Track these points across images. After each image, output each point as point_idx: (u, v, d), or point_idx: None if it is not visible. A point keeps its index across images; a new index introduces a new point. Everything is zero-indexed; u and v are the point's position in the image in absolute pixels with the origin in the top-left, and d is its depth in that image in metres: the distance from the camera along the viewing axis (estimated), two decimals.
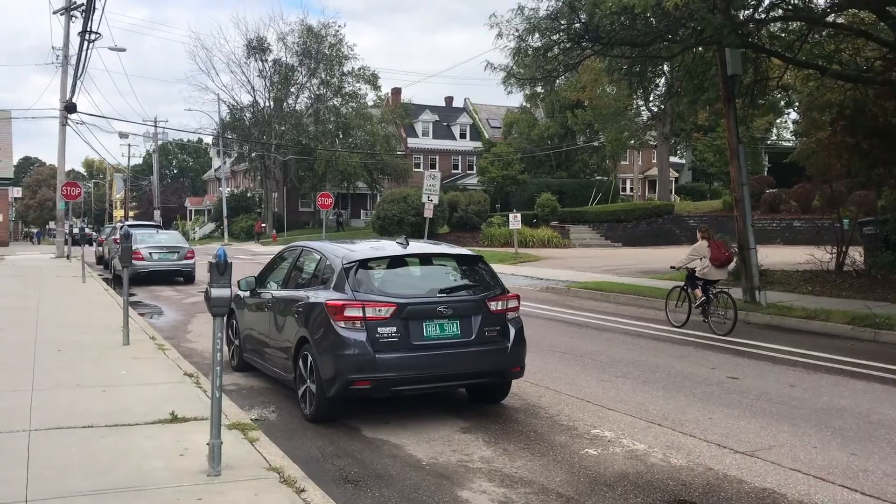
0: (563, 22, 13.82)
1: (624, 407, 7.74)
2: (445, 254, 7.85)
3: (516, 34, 13.97)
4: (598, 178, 61.03)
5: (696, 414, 7.48)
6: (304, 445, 6.49)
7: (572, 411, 7.58)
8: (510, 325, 7.32)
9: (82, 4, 33.15)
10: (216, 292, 5.09)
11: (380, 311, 6.79)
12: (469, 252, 7.91)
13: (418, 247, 7.90)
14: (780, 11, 15.66)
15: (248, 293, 9.11)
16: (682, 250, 35.23)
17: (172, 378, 8.34)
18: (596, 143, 61.29)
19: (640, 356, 10.59)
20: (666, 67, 20.10)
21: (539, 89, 68.51)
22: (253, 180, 69.59)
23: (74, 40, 34.18)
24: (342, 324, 6.80)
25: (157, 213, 61.63)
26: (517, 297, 7.52)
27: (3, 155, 49.32)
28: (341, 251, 7.51)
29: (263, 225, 59.75)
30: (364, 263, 7.18)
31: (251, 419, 7.06)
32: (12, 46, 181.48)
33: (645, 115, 54.20)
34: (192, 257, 22.90)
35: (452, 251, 7.93)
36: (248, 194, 69.37)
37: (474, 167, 68.12)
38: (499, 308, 7.24)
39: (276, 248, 47.30)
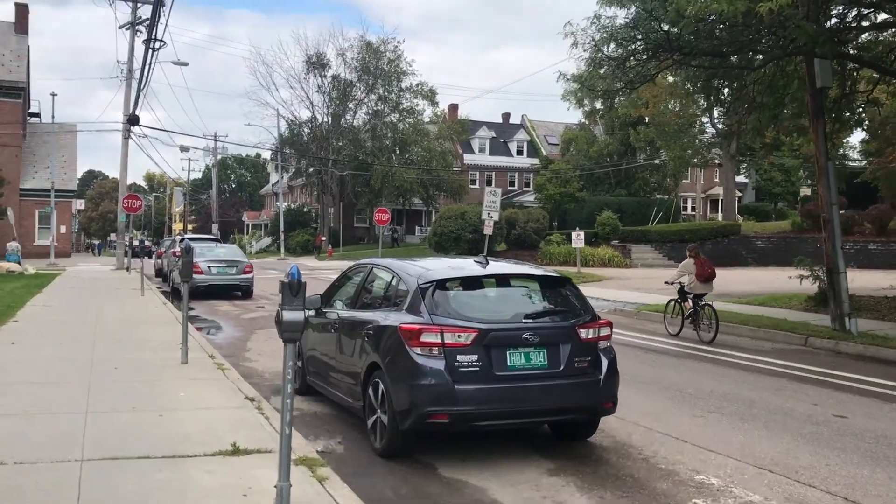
0: (641, 31, 13.10)
1: (725, 448, 6.95)
2: (529, 275, 7.19)
3: (592, 43, 13.30)
4: (658, 196, 59.74)
5: (808, 459, 6.65)
6: (376, 486, 5.87)
7: (668, 452, 6.81)
8: (602, 356, 6.62)
9: (147, 20, 33.61)
10: (289, 315, 4.53)
11: (460, 336, 6.16)
12: (555, 273, 7.23)
13: (499, 267, 7.25)
14: (873, 19, 14.66)
15: (312, 312, 8.55)
16: (750, 273, 34.07)
17: (233, 402, 7.83)
18: (657, 161, 60.01)
19: (730, 388, 9.73)
20: (745, 80, 19.11)
21: (598, 105, 67.93)
22: (309, 195, 69.98)
23: (139, 55, 34.64)
24: (418, 350, 6.18)
25: (215, 227, 62.26)
26: (610, 325, 6.81)
27: (67, 168, 50.39)
28: (416, 270, 6.91)
29: (323, 238, 59.83)
30: (442, 284, 6.56)
31: (317, 451, 6.49)
32: (80, 61, 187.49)
33: (710, 132, 52.88)
34: (250, 271, 22.66)
35: (537, 272, 7.27)
36: (305, 209, 69.76)
37: (531, 184, 67.34)
38: (590, 336, 6.54)
39: (333, 264, 47.39)
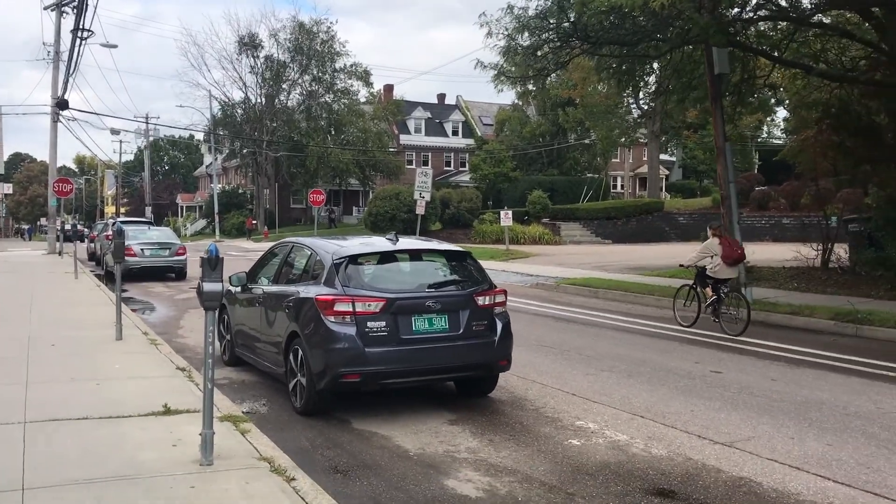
0: (552, 21, 13.97)
1: (608, 400, 7.91)
2: (434, 250, 8.01)
3: (506, 33, 14.13)
4: (589, 175, 61.32)
5: (678, 406, 7.65)
6: (295, 437, 6.64)
7: (557, 404, 7.75)
8: (497, 320, 7.48)
9: (73, 0, 33.13)
10: (208, 287, 5.22)
11: (369, 305, 6.94)
12: (457, 248, 8.07)
13: (408, 243, 8.05)
14: (767, 11, 15.83)
15: (239, 289, 9.24)
16: (671, 247, 35.68)
17: (165, 372, 8.47)
18: (587, 141, 61.55)
19: (625, 351, 10.76)
20: (655, 66, 20.25)
21: (531, 87, 68.80)
22: (244, 177, 69.59)
23: (66, 36, 34.15)
24: (332, 318, 6.94)
25: (148, 210, 61.51)
26: (504, 293, 7.68)
27: None
28: (331, 247, 7.65)
29: (255, 221, 59.77)
30: (354, 259, 7.32)
31: (243, 412, 7.20)
32: (3, 42, 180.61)
33: (635, 112, 54.56)
34: (183, 253, 22.99)
35: (441, 247, 8.10)
36: (240, 191, 69.39)
37: (466, 164, 68.29)
38: (486, 303, 7.40)
39: (268, 245, 47.38)
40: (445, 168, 70.68)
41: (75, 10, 33.01)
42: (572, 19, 13.66)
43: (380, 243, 7.82)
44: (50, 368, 8.49)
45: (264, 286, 8.69)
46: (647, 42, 14.89)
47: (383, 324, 6.94)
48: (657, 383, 8.70)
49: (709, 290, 12.61)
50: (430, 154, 70.85)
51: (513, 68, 16.27)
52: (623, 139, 54.75)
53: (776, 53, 16.52)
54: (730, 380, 8.89)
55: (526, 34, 14.49)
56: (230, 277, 9.33)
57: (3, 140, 51.13)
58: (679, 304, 13.41)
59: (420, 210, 28.52)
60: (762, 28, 17.88)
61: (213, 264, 5.21)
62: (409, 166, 66.56)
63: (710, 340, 11.69)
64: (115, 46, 37.73)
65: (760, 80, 18.51)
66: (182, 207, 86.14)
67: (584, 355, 10.41)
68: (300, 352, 7.28)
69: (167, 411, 6.64)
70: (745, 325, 11.91)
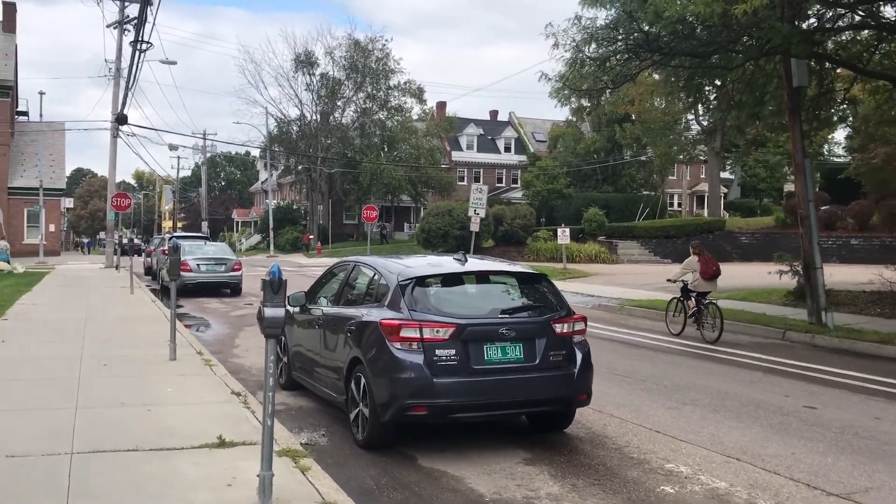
0: (621, 32, 13.34)
1: (696, 438, 7.20)
2: (507, 271, 7.42)
3: (573, 44, 13.54)
4: (645, 193, 60.18)
5: (776, 448, 6.91)
6: (358, 475, 6.09)
7: (642, 442, 7.06)
8: (577, 350, 6.86)
9: (135, 18, 33.64)
10: (270, 312, 4.73)
11: (438, 332, 6.38)
12: (531, 270, 7.47)
13: (478, 264, 7.49)
14: (849, 20, 14.96)
15: (297, 309, 8.78)
16: (735, 268, 34.44)
17: (219, 397, 8.03)
18: (643, 158, 60.46)
19: (705, 381, 10.00)
20: (718, 81, 19.40)
21: (585, 103, 67.89)
22: (299, 193, 70.06)
23: (127, 54, 34.71)
24: (398, 345, 6.41)
25: (204, 225, 62.31)
26: (584, 320, 7.05)
27: (56, 166, 50.31)
28: (396, 267, 7.13)
29: (311, 236, 59.94)
30: (421, 281, 6.78)
31: (301, 443, 6.71)
32: (68, 59, 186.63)
33: (695, 129, 53.30)
34: (239, 269, 22.82)
35: (514, 269, 7.51)
36: (294, 206, 69.84)
37: (518, 181, 67.69)
38: (564, 331, 6.79)
39: (322, 261, 47.48)
40: (497, 185, 70.12)
41: (135, 27, 33.52)
42: (644, 29, 13.00)
43: (448, 264, 7.27)
44: (100, 391, 8.12)
45: (324, 307, 8.21)
46: (721, 53, 14.14)
47: (453, 352, 6.37)
48: (748, 419, 7.94)
49: (691, 303, 14.09)
50: (481, 170, 70.40)
51: (579, 82, 15.62)
52: (682, 156, 53.56)
53: (859, 65, 15.57)
54: (828, 417, 8.08)
55: (593, 46, 13.89)
56: (288, 297, 8.88)
57: (65, 155, 52.24)
58: (670, 315, 14.77)
59: (475, 227, 27.97)
60: (842, 39, 16.96)
61: (275, 287, 4.72)
62: (460, 182, 66.28)
63: (798, 371, 10.84)
64: (173, 63, 38.24)
65: (839, 94, 17.55)
66: (237, 223, 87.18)
67: (661, 385, 9.68)
68: (363, 380, 6.76)
69: (222, 443, 6.16)
70: (720, 334, 13.25)
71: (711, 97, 19.73)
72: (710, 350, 12.71)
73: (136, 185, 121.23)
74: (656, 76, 33.90)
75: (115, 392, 8.06)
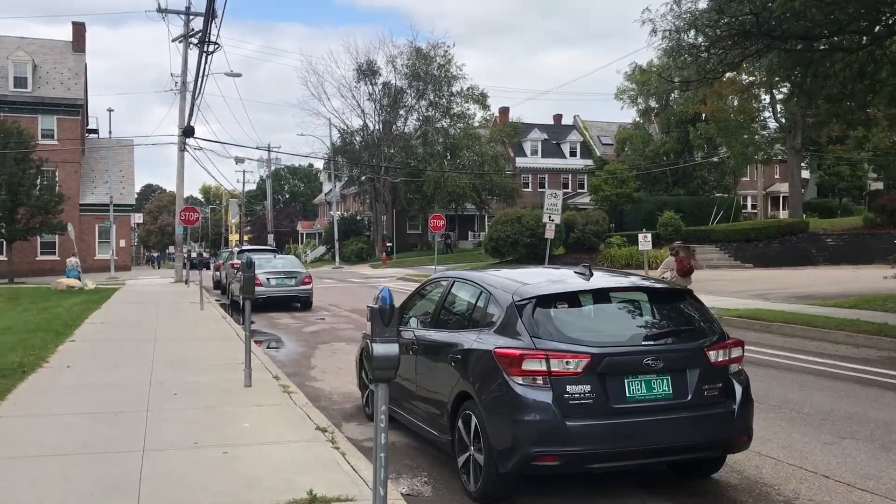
0: (726, 15, 12.03)
1: (877, 486, 5.90)
2: (644, 288, 6.23)
3: (673, 30, 12.27)
4: (717, 195, 57.99)
5: None
6: None
7: (812, 492, 5.79)
8: (734, 381, 5.64)
9: (199, 31, 33.50)
10: (381, 349, 3.70)
11: (569, 363, 5.25)
12: (674, 286, 6.28)
13: (607, 279, 6.33)
14: None
15: None
16: (824, 272, 32.35)
17: (303, 433, 7.04)
18: (715, 159, 58.31)
19: (850, 407, 8.62)
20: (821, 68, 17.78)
21: (653, 104, 66.21)
22: (362, 203, 69.73)
23: (192, 68, 34.66)
24: (519, 379, 5.30)
25: (270, 237, 62.41)
26: (741, 344, 5.82)
27: (125, 182, 50.93)
28: (510, 284, 6.03)
29: (389, 244, 59.43)
30: (542, 300, 5.66)
31: (402, 493, 5.67)
32: (135, 79, 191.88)
33: (772, 127, 50.97)
34: (309, 282, 22.09)
35: (654, 285, 6.32)
36: (358, 217, 69.54)
37: (585, 186, 66.08)
38: (720, 359, 5.58)
39: (389, 272, 46.78)
40: (563, 190, 68.52)
41: (200, 42, 33.37)
42: (753, 11, 11.66)
43: (571, 279, 6.13)
44: (171, 427, 7.22)
45: (417, 330, 7.17)
46: (840, 34, 12.69)
47: (588, 388, 5.23)
48: None
49: None
50: (546, 176, 69.03)
51: (676, 73, 14.33)
52: (759, 155, 51.26)
53: None
54: None
55: (693, 32, 12.60)
56: None
57: (134, 171, 52.88)
58: None
59: (550, 234, 26.74)
60: None
61: (386, 317, 3.69)
62: (525, 189, 65.06)
63: None
64: (238, 75, 38.18)
65: None
66: (302, 234, 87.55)
67: (802, 413, 8.34)
68: (473, 420, 5.68)
69: (312, 500, 5.14)
70: None
71: (812, 87, 18.07)
72: (842, 368, 11.24)
73: (202, 200, 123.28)
74: (743, 74, 32.14)
75: (186, 428, 7.15)
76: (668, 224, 42.82)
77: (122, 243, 49.81)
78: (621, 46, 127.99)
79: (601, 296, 5.94)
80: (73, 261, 34.31)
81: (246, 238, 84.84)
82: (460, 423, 5.91)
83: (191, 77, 34.40)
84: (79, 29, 51.72)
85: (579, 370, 5.24)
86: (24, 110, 45.57)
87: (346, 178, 67.20)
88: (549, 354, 5.26)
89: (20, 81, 46.81)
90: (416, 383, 6.93)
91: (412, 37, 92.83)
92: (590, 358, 5.25)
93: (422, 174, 56.83)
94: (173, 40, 35.21)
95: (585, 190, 64.80)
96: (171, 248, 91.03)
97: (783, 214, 64.69)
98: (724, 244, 41.86)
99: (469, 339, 5.96)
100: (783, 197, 70.63)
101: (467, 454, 5.79)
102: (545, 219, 26.57)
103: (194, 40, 34.92)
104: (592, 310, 5.87)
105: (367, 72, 58.83)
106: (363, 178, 62.78)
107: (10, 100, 45.82)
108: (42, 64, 48.51)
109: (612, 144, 69.50)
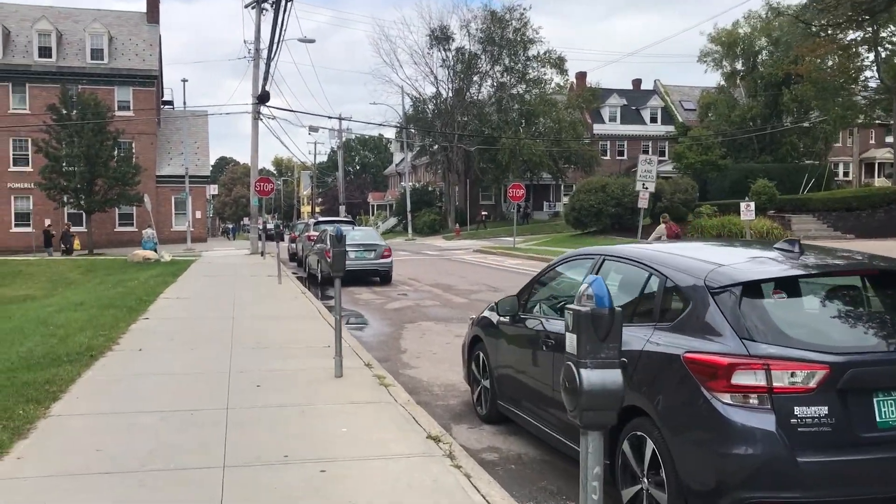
0: None
1: None
2: (887, 269, 4.65)
3: None
4: (808, 162, 54.66)
5: None
6: None
7: None
8: None
9: None
10: (597, 377, 2.36)
11: (798, 377, 3.80)
12: None
13: (827, 257, 4.79)
14: None
15: (507, 319, 6.43)
16: None
17: (412, 444, 5.77)
18: (806, 124, 54.89)
19: None
20: None
21: (739, 66, 62.77)
22: (434, 174, 68.47)
23: (265, 35, 33.76)
24: (727, 397, 3.87)
25: (342, 209, 61.76)
26: None
27: (200, 154, 50.80)
28: (697, 264, 4.56)
29: (485, 213, 58.25)
30: (752, 288, 4.19)
31: None
32: (208, 52, 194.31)
33: (873, 86, 47.37)
34: (389, 256, 20.93)
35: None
36: (430, 188, 68.32)
37: (666, 153, 63.30)
38: None
39: (463, 243, 45.45)
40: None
41: (273, 6, 32.42)
42: None
43: (779, 258, 4.59)
44: (255, 432, 6.05)
45: (549, 320, 5.80)
46: None
47: (824, 410, 3.77)
48: None
49: None
50: (625, 143, 66.51)
51: (816, 16, 12.40)
52: (860, 119, 47.88)
53: None
54: None
55: None
56: (497, 304, 6.55)
57: (209, 143, 52.75)
58: None
59: (643, 203, 25.00)
60: None
61: (603, 328, 2.31)
62: (603, 157, 62.72)
63: None
64: (312, 41, 37.04)
65: None
66: (373, 206, 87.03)
67: None
68: (649, 444, 4.28)
69: None
70: None
71: None
72: None
73: (275, 172, 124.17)
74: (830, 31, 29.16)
75: (274, 434, 5.97)
76: (761, 192, 40.23)
77: (198, 215, 49.79)
78: (697, 10, 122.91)
79: (829, 280, 4.42)
80: (149, 232, 34.07)
81: (318, 210, 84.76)
82: (626, 447, 4.53)
83: (263, 45, 33.59)
84: (153, 0, 51.53)
85: (813, 385, 3.78)
86: (101, 82, 45.64)
87: (418, 148, 65.97)
88: (769, 364, 3.81)
89: (97, 53, 46.90)
90: (552, 387, 5.56)
91: (486, 0, 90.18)
92: (828, 369, 3.78)
93: (496, 142, 55.12)
94: (246, 6, 34.31)
95: (666, 157, 62.08)
96: (246, 220, 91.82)
97: (878, 182, 60.81)
98: (822, 213, 39.17)
99: (638, 338, 4.54)
100: (878, 163, 66.48)
101: (638, 488, 4.41)
102: (638, 186, 24.81)
103: (267, 6, 34.04)
104: (819, 301, 4.37)
105: (441, 37, 57.20)
106: (435, 147, 61.41)
107: (88, 72, 45.94)
108: (118, 35, 48.49)
109: (694, 110, 66.38)
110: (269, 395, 7.25)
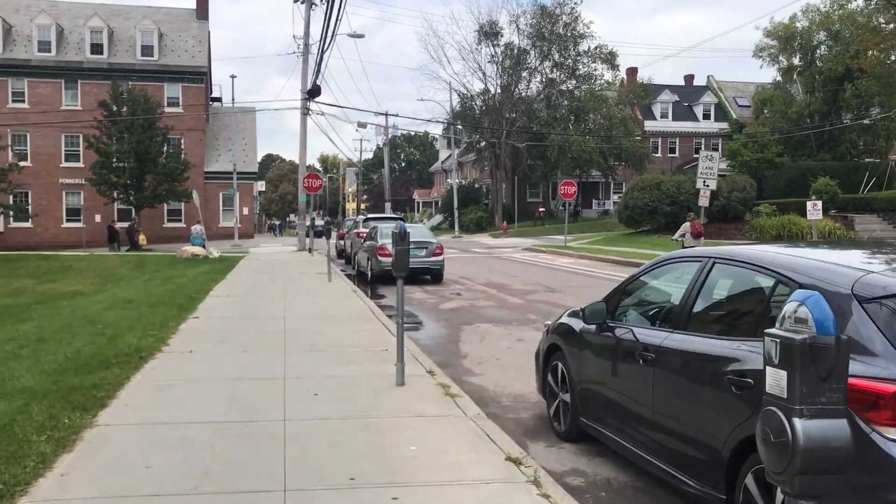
0: None
1: None
2: None
3: None
4: (868, 160, 52.76)
5: None
6: None
7: None
8: None
9: None
10: (816, 430, 1.69)
11: None
12: None
13: None
14: None
15: (593, 327, 5.80)
16: None
17: (491, 467, 5.17)
18: (867, 121, 52.94)
19: None
20: None
21: (797, 61, 60.98)
22: (480, 171, 67.78)
23: (314, 30, 33.58)
24: (892, 432, 3.20)
25: (387, 206, 61.44)
26: None
27: (248, 150, 50.91)
28: (838, 270, 3.88)
29: (542, 209, 57.48)
30: None
31: None
32: (256, 50, 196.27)
33: None
34: (440, 253, 20.42)
35: None
36: (476, 185, 67.66)
37: (719, 150, 61.69)
38: None
39: (510, 241, 44.73)
40: (695, 155, 64.26)
41: (323, 0, 32.12)
42: None
43: None
44: (316, 448, 5.52)
45: (646, 330, 5.16)
46: None
47: None
48: None
49: None
50: (677, 140, 65.07)
51: None
52: None
53: None
54: None
55: None
56: (582, 310, 5.91)
57: (256, 141, 52.84)
58: None
59: (703, 201, 24.05)
60: None
61: (827, 361, 1.69)
62: (654, 154, 61.39)
63: None
64: (361, 36, 36.74)
65: None
66: (418, 203, 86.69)
67: None
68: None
69: None
70: None
71: None
72: None
73: (320, 169, 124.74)
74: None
75: (337, 451, 5.43)
76: (822, 191, 38.68)
77: (246, 211, 49.91)
78: (746, 6, 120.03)
79: None
80: (197, 228, 34.07)
81: (363, 207, 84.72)
82: (750, 482, 3.87)
83: (312, 40, 33.35)
84: None
85: None
86: (150, 78, 45.94)
87: (464, 145, 65.32)
88: None
89: (147, 50, 47.24)
90: (651, 406, 4.92)
91: None
92: None
93: (545, 139, 54.22)
94: (295, 1, 34.09)
95: (720, 154, 60.51)
96: (292, 216, 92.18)
97: None
98: (886, 213, 37.61)
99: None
100: None
101: None
102: (699, 184, 23.89)
103: (316, 0, 33.78)
104: None
105: (490, 33, 56.46)
106: (483, 143, 60.70)
107: (138, 68, 46.30)
108: (167, 32, 48.79)
109: (749, 106, 64.66)
110: (328, 405, 6.72)
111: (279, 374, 7.90)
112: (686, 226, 21.18)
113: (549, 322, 7.19)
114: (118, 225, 39.96)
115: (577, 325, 6.15)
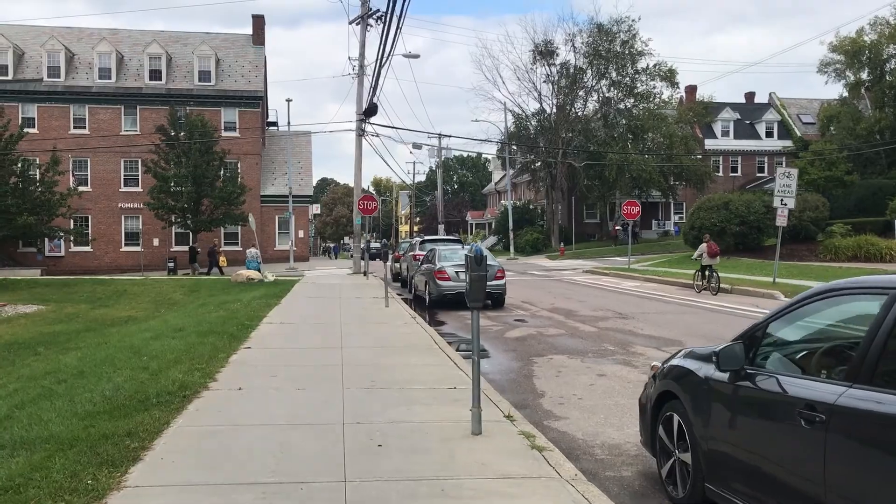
0: None
1: None
2: None
3: None
4: None
5: None
6: None
7: None
8: None
9: (377, 11, 31.80)
10: None
11: None
12: None
13: None
14: None
15: (727, 376, 4.68)
16: None
17: None
18: None
19: None
20: None
21: (864, 76, 58.70)
22: (536, 192, 66.63)
23: (369, 54, 33.07)
24: None
25: (441, 228, 60.67)
26: None
27: (303, 173, 50.73)
28: None
29: (619, 228, 56.17)
30: None
31: None
32: (310, 75, 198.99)
33: None
34: (502, 277, 19.36)
35: None
36: (531, 206, 66.51)
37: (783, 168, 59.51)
38: None
39: (567, 263, 43.44)
40: (758, 174, 62.26)
41: (378, 21, 31.58)
42: None
43: None
44: None
45: (804, 381, 4.03)
46: None
47: None
48: None
49: (705, 272, 22.28)
50: (739, 159, 63.05)
51: None
52: None
53: None
54: None
55: None
56: (716, 353, 4.76)
57: (312, 164, 52.67)
58: (697, 277, 22.75)
59: (782, 221, 22.51)
60: None
61: None
62: (715, 173, 59.48)
63: None
64: (416, 56, 36.13)
65: None
66: (471, 225, 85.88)
67: None
68: None
69: None
70: (717, 290, 21.45)
71: None
72: None
73: (373, 192, 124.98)
74: None
75: None
76: None
77: (301, 234, 49.62)
78: (803, 23, 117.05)
79: None
80: (253, 252, 33.65)
81: (416, 229, 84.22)
82: None
83: (367, 61, 32.83)
84: (258, 22, 52.08)
85: None
86: (208, 103, 46.12)
87: (519, 165, 64.29)
88: None
89: (204, 75, 47.52)
90: (820, 482, 3.77)
91: (594, 12, 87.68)
92: None
93: (602, 158, 52.89)
94: (350, 22, 33.67)
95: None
96: (346, 239, 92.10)
97: None
98: None
99: None
100: None
101: None
102: (776, 203, 22.38)
103: (372, 21, 33.31)
104: None
105: (545, 52, 55.56)
106: (538, 164, 59.59)
107: (196, 93, 46.56)
108: (224, 58, 49.08)
109: (813, 123, 62.40)
110: (395, 460, 5.70)
111: (337, 419, 6.92)
112: (703, 246, 22.44)
113: (657, 363, 6.07)
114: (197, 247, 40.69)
115: (699, 368, 5.04)
